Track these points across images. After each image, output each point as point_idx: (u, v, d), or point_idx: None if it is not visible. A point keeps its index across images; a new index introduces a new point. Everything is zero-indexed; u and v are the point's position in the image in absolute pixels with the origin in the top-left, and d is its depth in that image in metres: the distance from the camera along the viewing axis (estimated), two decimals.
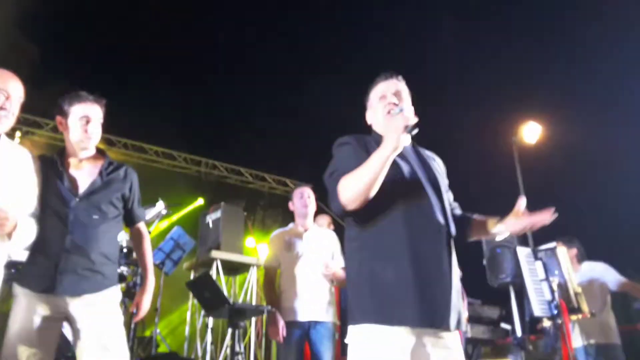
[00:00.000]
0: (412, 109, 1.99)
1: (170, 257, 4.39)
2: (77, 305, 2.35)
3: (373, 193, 1.76)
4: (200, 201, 8.82)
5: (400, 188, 1.82)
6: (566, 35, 8.99)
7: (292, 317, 3.52)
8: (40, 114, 7.90)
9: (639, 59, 8.02)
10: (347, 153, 1.92)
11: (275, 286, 3.73)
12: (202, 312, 4.81)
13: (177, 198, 8.45)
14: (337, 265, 3.80)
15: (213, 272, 4.64)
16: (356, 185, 1.74)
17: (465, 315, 4.15)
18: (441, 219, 1.83)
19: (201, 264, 4.85)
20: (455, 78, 9.57)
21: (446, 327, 1.73)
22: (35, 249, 2.34)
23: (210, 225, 4.90)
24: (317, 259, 3.73)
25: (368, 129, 2.16)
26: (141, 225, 2.79)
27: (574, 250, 4.57)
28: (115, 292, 2.49)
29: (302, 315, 3.51)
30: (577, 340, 4.40)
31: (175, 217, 7.88)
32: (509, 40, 9.22)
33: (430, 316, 1.71)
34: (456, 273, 1.84)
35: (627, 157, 7.83)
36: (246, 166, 9.61)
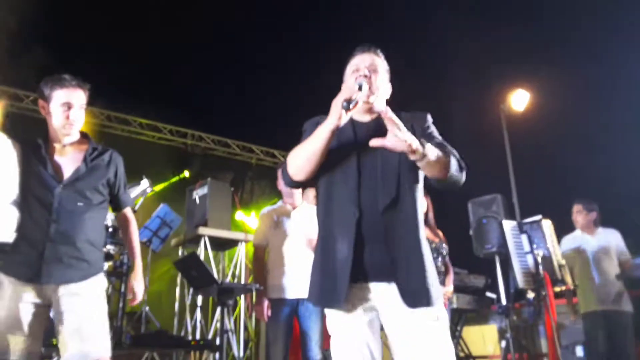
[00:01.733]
0: (384, 85, 1.97)
1: (157, 234, 4.36)
2: (62, 294, 2.33)
3: (315, 165, 1.83)
4: (185, 174, 8.74)
5: (328, 169, 1.87)
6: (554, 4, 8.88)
7: (281, 294, 3.55)
8: (20, 86, 7.70)
9: (626, 27, 7.96)
10: (304, 137, 1.96)
11: (264, 264, 3.75)
12: (192, 289, 4.84)
13: (162, 171, 8.40)
14: None
15: (201, 248, 4.64)
16: (299, 158, 1.84)
17: (443, 290, 4.18)
18: (367, 203, 1.80)
19: (189, 240, 4.83)
20: (443, 48, 9.46)
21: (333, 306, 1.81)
22: (19, 236, 2.31)
23: (197, 201, 4.85)
24: (304, 236, 3.74)
25: None
26: (127, 211, 2.76)
27: (594, 214, 4.61)
28: (100, 280, 2.47)
29: (290, 293, 3.54)
30: (590, 305, 4.41)
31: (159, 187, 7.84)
32: (498, 10, 9.10)
33: (325, 297, 1.79)
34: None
35: (613, 124, 7.88)
36: (233, 137, 9.50)
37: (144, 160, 7.85)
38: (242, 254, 4.92)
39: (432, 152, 1.73)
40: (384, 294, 1.78)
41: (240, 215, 7.01)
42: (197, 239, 4.73)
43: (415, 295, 1.73)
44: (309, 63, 9.25)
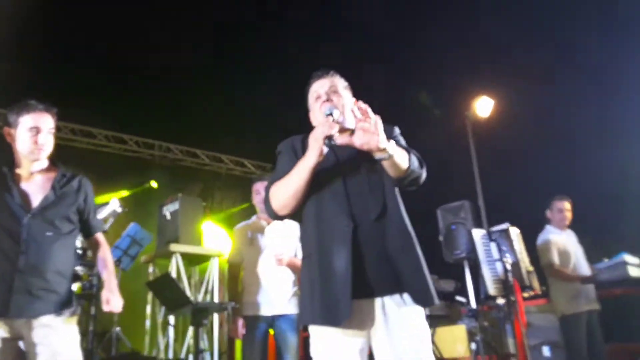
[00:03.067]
0: (349, 104, 2.03)
1: (127, 253, 4.29)
2: (31, 327, 2.28)
3: (300, 200, 1.89)
4: (153, 184, 8.61)
5: (314, 190, 1.90)
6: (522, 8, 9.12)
7: (256, 311, 3.54)
8: None
9: (592, 31, 8.24)
10: (281, 162, 2.03)
11: (239, 281, 3.73)
12: (163, 308, 4.76)
13: (129, 183, 8.23)
14: (299, 256, 3.83)
15: (173, 265, 4.58)
16: (283, 193, 1.88)
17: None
18: (359, 214, 1.85)
19: (160, 256, 4.76)
20: (409, 53, 9.59)
21: (337, 324, 1.74)
22: None
23: (168, 216, 4.79)
24: (279, 251, 3.73)
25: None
26: (99, 236, 2.71)
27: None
28: (73, 312, 2.41)
29: (266, 310, 3.53)
30: (580, 306, 4.39)
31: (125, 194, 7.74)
32: (463, 14, 9.29)
33: (326, 315, 1.76)
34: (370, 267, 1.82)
35: (578, 131, 8.14)
36: (202, 148, 9.39)
37: (111, 173, 7.69)
38: (215, 270, 4.87)
39: (395, 147, 1.85)
40: (384, 306, 1.80)
41: (209, 226, 6.94)
42: (168, 255, 4.66)
43: (423, 293, 1.80)
44: (277, 73, 9.24)
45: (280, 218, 1.94)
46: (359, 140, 1.79)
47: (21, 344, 2.37)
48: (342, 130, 1.97)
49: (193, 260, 4.99)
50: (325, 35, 8.98)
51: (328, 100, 2.01)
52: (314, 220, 1.90)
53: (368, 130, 1.77)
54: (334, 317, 1.74)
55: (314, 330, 1.84)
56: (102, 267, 2.67)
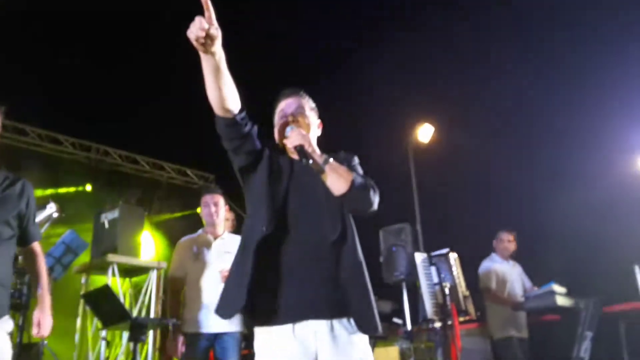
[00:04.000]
0: (313, 122, 2.09)
1: (60, 261, 4.04)
2: None
3: (216, 89, 1.78)
4: (87, 187, 8.24)
5: (266, 203, 1.89)
6: (461, 40, 9.56)
7: (198, 328, 3.44)
8: None
9: (532, 63, 8.76)
10: None
11: (181, 296, 3.61)
12: (95, 320, 4.52)
13: (63, 186, 7.82)
14: None
15: (109, 276, 4.37)
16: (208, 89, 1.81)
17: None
18: (312, 236, 1.87)
19: (95, 267, 4.53)
20: (352, 78, 9.81)
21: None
22: None
23: (106, 225, 4.57)
24: (224, 267, 3.66)
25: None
26: (36, 245, 2.56)
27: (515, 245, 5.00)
28: (6, 323, 2.26)
29: (208, 327, 3.44)
30: (509, 330, 4.68)
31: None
32: (407, 42, 9.63)
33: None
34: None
35: (512, 163, 8.60)
36: (143, 154, 9.07)
37: (42, 174, 7.26)
38: (152, 283, 4.69)
39: (334, 163, 1.89)
40: (332, 328, 1.80)
41: (146, 236, 6.69)
42: (104, 265, 4.45)
43: (368, 322, 1.81)
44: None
45: (221, 120, 1.87)
46: (291, 139, 1.89)
47: None
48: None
49: (129, 273, 4.79)
50: (270, 54, 9.04)
51: (294, 121, 2.02)
52: (256, 235, 1.85)
53: (302, 133, 1.89)
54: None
55: (260, 339, 1.84)
56: (37, 282, 2.53)
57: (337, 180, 1.86)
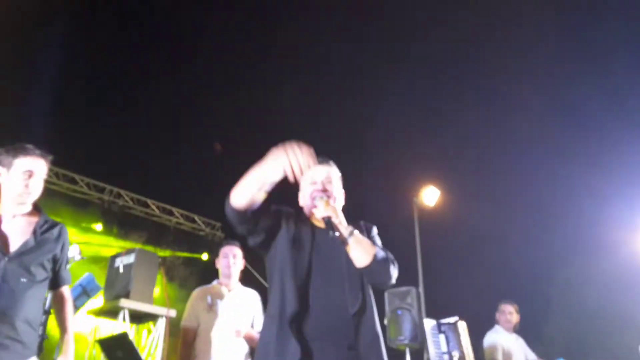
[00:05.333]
0: (339, 192, 2.16)
1: (74, 303, 4.07)
2: None
3: (251, 194, 1.89)
4: (97, 227, 8.35)
5: (288, 270, 1.96)
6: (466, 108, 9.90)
7: None
8: None
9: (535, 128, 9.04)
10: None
11: (192, 347, 3.62)
12: None
13: (75, 224, 7.91)
14: (256, 328, 3.81)
15: (119, 321, 4.39)
16: (241, 185, 1.90)
17: None
18: (332, 304, 1.93)
19: (106, 311, 4.55)
20: (361, 141, 10.08)
21: None
22: None
23: (121, 270, 4.63)
24: (237, 321, 3.70)
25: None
26: (65, 289, 2.62)
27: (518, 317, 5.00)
28: None
29: None
30: None
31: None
32: (413, 105, 9.96)
33: None
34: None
35: (514, 230, 8.70)
36: (153, 198, 9.23)
37: (56, 211, 7.38)
38: (161, 330, 4.70)
39: (358, 235, 1.96)
40: None
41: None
42: (115, 310, 4.47)
43: None
44: (234, 135, 9.43)
45: (234, 215, 1.95)
46: (321, 212, 1.96)
47: None
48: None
49: (139, 319, 4.80)
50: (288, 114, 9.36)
51: (323, 190, 2.12)
52: (279, 295, 1.95)
53: (331, 205, 1.97)
54: None
55: None
56: (63, 326, 2.59)
57: (361, 253, 1.93)
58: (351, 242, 1.93)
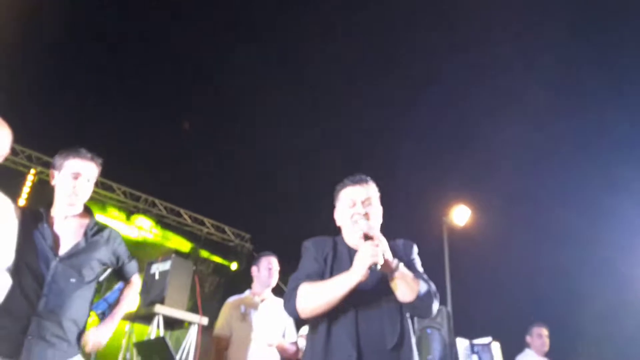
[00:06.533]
0: (379, 213, 2.11)
1: (112, 307, 4.18)
2: None
3: (328, 311, 1.88)
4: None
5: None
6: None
7: None
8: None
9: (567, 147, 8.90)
10: (307, 259, 2.07)
11: (225, 356, 3.68)
12: None
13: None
14: (287, 339, 3.85)
15: (153, 327, 4.48)
16: (316, 300, 1.88)
17: None
18: (370, 341, 1.89)
19: (140, 316, 4.66)
20: (393, 159, 10.08)
21: None
22: (3, 308, 2.17)
23: (157, 276, 4.74)
24: (269, 331, 3.75)
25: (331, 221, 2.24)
26: (134, 277, 2.76)
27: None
28: None
29: None
30: None
31: None
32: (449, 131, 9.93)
33: None
34: None
35: (545, 252, 8.54)
36: (186, 208, 9.43)
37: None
38: (193, 337, 4.77)
39: (403, 269, 1.90)
40: None
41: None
42: (150, 316, 4.57)
43: None
44: (266, 147, 9.55)
45: (297, 318, 1.95)
46: (364, 250, 1.85)
47: None
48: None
49: (172, 325, 4.89)
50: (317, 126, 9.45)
51: (366, 214, 2.05)
52: (322, 337, 1.92)
53: (375, 245, 1.83)
54: None
55: None
56: (116, 307, 2.71)
57: (405, 289, 1.88)
58: (396, 276, 1.88)
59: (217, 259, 9.05)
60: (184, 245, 9.32)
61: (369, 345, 1.87)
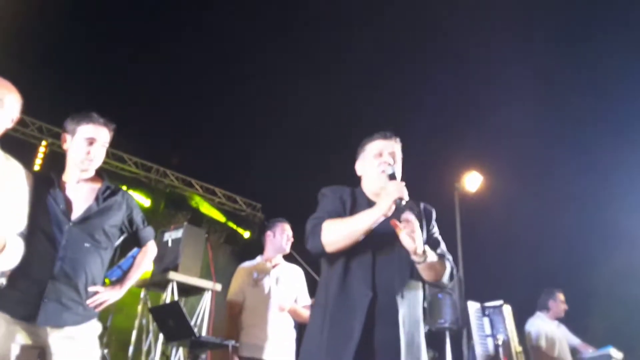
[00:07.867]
0: (400, 171, 2.15)
1: (126, 274, 4.25)
2: (56, 337, 2.26)
3: (351, 243, 1.95)
4: (145, 203, 8.62)
5: (360, 265, 1.99)
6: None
7: (255, 354, 3.57)
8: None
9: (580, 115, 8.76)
10: (327, 202, 2.13)
11: (239, 320, 3.74)
12: (150, 335, 4.70)
13: None
14: (300, 303, 3.90)
15: (168, 294, 4.57)
16: (339, 232, 1.95)
17: None
18: (381, 286, 1.95)
19: (155, 283, 4.75)
20: (403, 122, 9.99)
21: None
22: (20, 272, 2.22)
23: (170, 244, 4.80)
24: (282, 296, 3.80)
25: (354, 176, 2.29)
26: (149, 244, 2.74)
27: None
28: (95, 326, 2.43)
29: (266, 354, 3.56)
30: None
31: None
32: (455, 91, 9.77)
33: None
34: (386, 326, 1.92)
35: (557, 216, 8.48)
36: (198, 178, 9.47)
37: None
38: (207, 303, 4.86)
39: (432, 258, 1.95)
40: None
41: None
42: (164, 283, 4.65)
43: None
44: (275, 112, 9.48)
45: (321, 254, 2.01)
46: (402, 239, 1.90)
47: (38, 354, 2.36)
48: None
49: (186, 292, 4.98)
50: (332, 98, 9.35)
51: (389, 163, 2.11)
52: (339, 276, 1.99)
53: (411, 236, 1.88)
54: None
55: None
56: (130, 270, 2.72)
57: (430, 272, 1.98)
58: (425, 265, 1.93)
59: (232, 225, 9.12)
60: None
61: (383, 289, 1.95)
